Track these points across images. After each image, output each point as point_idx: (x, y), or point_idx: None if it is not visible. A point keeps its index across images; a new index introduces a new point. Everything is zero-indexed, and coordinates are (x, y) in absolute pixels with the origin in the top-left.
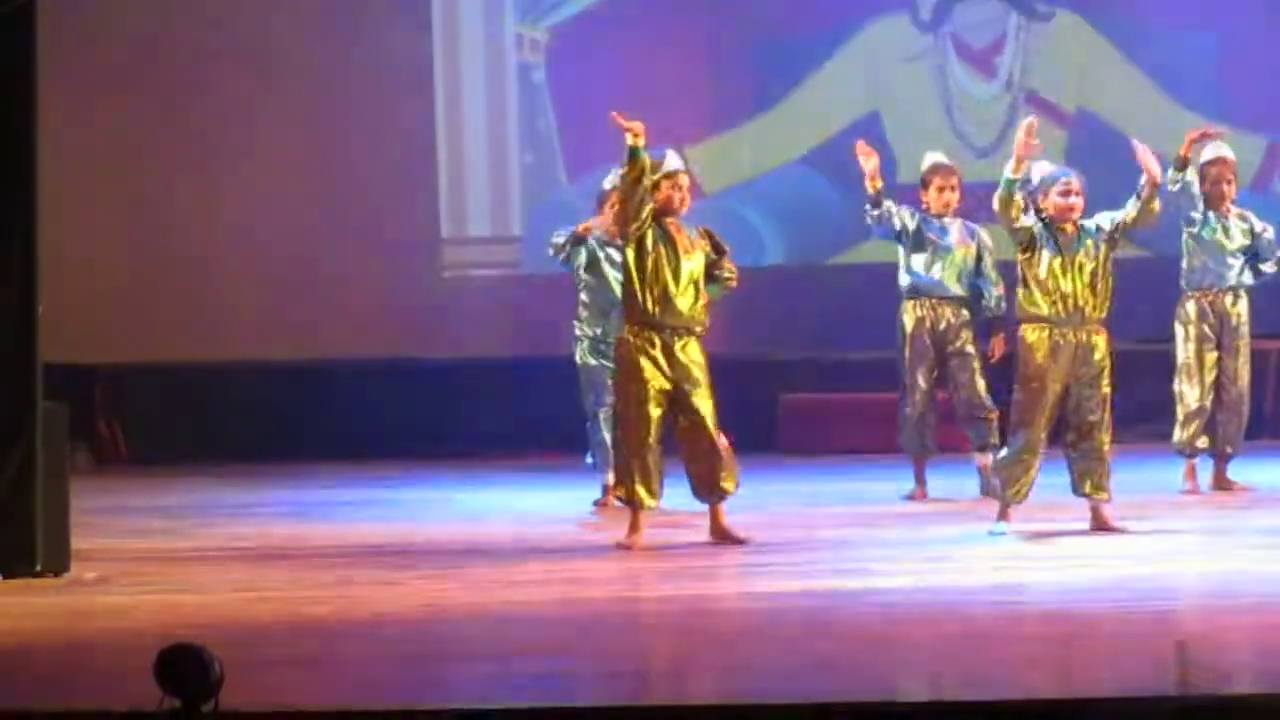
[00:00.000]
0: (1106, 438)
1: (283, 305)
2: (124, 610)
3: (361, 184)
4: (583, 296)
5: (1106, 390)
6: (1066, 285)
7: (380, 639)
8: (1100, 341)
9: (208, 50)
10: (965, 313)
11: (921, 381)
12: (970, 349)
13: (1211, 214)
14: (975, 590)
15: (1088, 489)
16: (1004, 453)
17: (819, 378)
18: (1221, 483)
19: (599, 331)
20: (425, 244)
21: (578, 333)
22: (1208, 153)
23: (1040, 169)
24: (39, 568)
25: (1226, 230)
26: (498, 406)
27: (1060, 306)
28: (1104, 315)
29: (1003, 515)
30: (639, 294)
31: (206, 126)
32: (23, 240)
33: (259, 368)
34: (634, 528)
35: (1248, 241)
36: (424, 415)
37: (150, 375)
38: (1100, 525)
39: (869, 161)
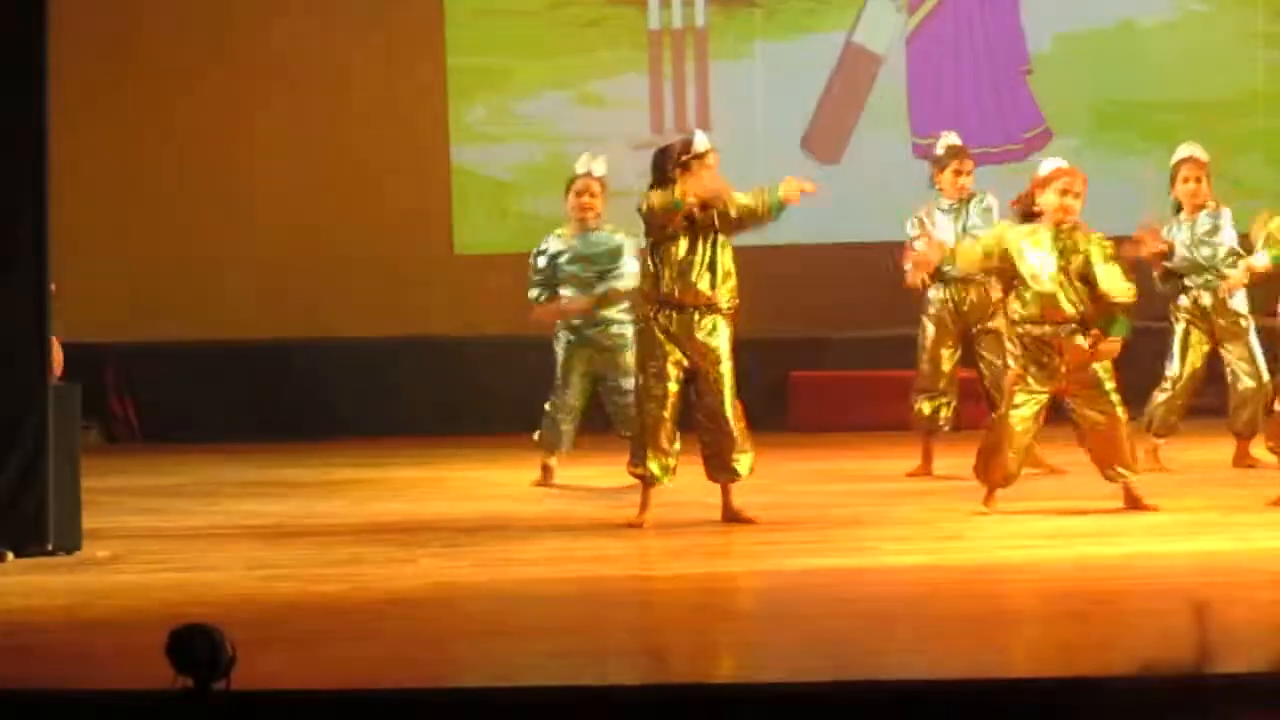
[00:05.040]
0: (1115, 417)
1: (293, 284)
2: (136, 589)
3: (372, 162)
4: (557, 287)
5: (1102, 378)
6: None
7: (392, 618)
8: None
9: (218, 31)
10: (990, 292)
11: (942, 361)
12: (999, 326)
13: (1182, 214)
14: (987, 569)
15: (1111, 471)
16: (988, 439)
17: (829, 355)
18: (1243, 460)
19: (576, 321)
20: (436, 222)
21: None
22: (1180, 152)
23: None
24: (51, 547)
25: (1194, 229)
26: (509, 384)
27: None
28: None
29: (987, 500)
30: (659, 274)
31: (217, 104)
32: (34, 220)
33: (269, 347)
34: (644, 505)
35: (1220, 236)
36: (434, 394)
37: (161, 355)
38: (1131, 503)
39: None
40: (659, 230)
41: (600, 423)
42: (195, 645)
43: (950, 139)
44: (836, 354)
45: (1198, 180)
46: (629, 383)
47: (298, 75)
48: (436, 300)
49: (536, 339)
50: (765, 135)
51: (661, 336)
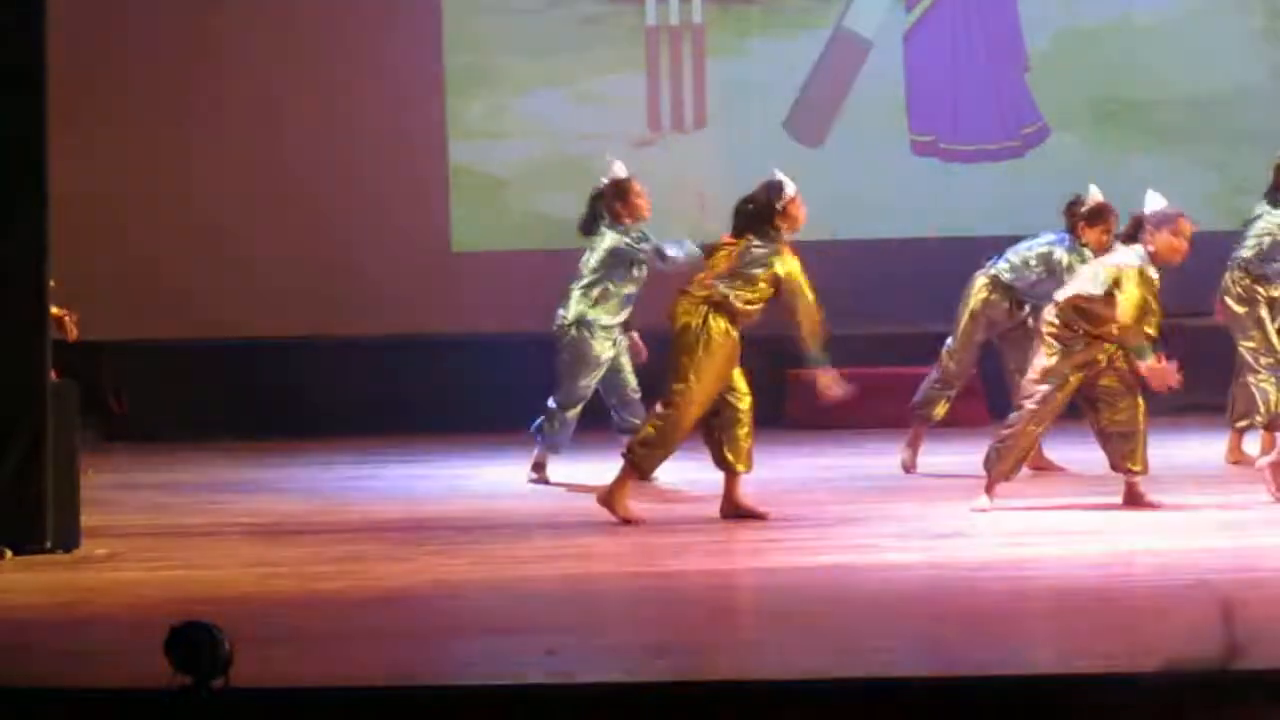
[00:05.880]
0: (1127, 413)
1: (291, 282)
2: (134, 587)
3: (369, 159)
4: (610, 287)
5: (1123, 365)
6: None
7: (390, 615)
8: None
9: (220, 26)
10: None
11: (967, 356)
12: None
13: None
14: (985, 565)
15: (1126, 467)
16: (1007, 430)
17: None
18: (1237, 456)
19: (612, 321)
20: (434, 219)
21: (605, 320)
22: None
23: (1154, 200)
24: (49, 544)
25: None
26: (507, 382)
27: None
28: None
29: (989, 490)
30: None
31: (217, 103)
32: (33, 218)
33: (268, 345)
34: (628, 494)
35: None
36: (433, 391)
37: (159, 353)
38: (1133, 500)
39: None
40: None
41: (599, 420)
42: (194, 643)
43: (1100, 195)
44: (835, 351)
45: None
46: (629, 366)
47: (295, 72)
48: (434, 297)
49: (535, 336)
50: (762, 133)
51: (731, 346)
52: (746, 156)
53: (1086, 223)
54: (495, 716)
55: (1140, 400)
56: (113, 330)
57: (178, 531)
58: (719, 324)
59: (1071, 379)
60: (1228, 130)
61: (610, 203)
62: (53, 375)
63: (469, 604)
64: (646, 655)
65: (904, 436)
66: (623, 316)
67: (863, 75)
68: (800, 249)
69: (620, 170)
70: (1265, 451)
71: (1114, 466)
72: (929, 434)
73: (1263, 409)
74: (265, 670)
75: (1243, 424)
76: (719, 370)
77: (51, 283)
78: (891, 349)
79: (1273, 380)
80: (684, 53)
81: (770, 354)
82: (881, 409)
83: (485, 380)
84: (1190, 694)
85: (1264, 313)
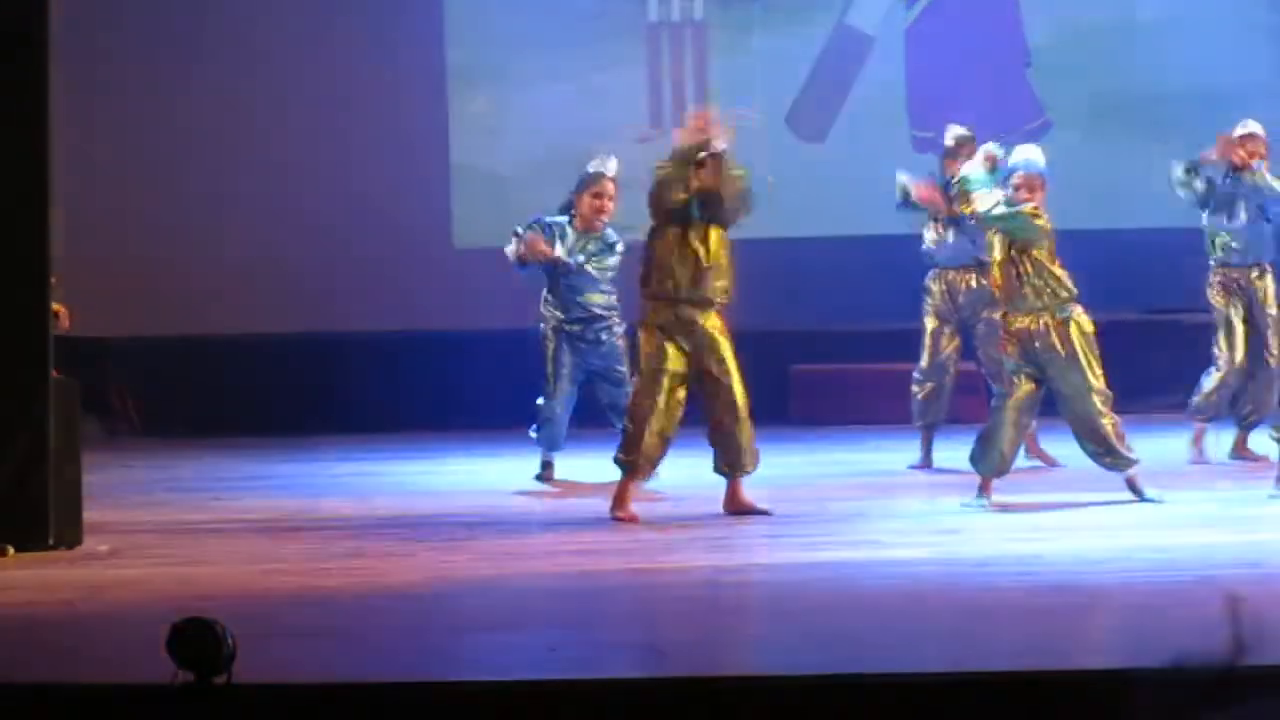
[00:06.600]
0: (1094, 409)
1: (293, 278)
2: (136, 583)
3: (371, 155)
4: (559, 282)
5: (1083, 364)
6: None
7: (392, 611)
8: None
9: (221, 22)
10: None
11: (940, 352)
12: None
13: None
14: (988, 562)
15: (1109, 463)
16: (987, 428)
17: (830, 349)
18: (1241, 451)
19: (563, 315)
20: (436, 215)
21: (560, 315)
22: (1239, 130)
23: (1021, 152)
24: (52, 541)
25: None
26: (507, 379)
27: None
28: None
29: (983, 488)
30: (655, 269)
31: (218, 99)
32: (35, 215)
33: (269, 341)
34: (623, 498)
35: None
36: (434, 388)
37: (160, 348)
38: (1133, 492)
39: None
40: (661, 211)
41: (599, 419)
42: (197, 639)
43: (959, 130)
44: (837, 347)
45: (1261, 157)
46: (623, 371)
47: (297, 69)
48: (436, 294)
49: (536, 332)
50: (764, 130)
51: (659, 333)
52: (748, 153)
53: (951, 159)
54: (496, 714)
55: (1091, 394)
56: (115, 327)
57: (180, 528)
58: (641, 328)
59: (1025, 357)
60: (1229, 126)
61: (573, 194)
62: (54, 373)
63: (470, 600)
64: (648, 652)
65: (905, 432)
66: (565, 311)
67: (864, 72)
68: (801, 246)
69: (606, 167)
70: (1236, 448)
71: (1099, 464)
72: None
73: (1197, 398)
74: (268, 667)
75: (1249, 421)
76: (650, 364)
77: (53, 279)
78: (892, 345)
79: (1217, 376)
80: (685, 49)
81: (771, 350)
82: (883, 405)
83: (487, 377)
84: (1195, 691)
85: (1236, 310)
